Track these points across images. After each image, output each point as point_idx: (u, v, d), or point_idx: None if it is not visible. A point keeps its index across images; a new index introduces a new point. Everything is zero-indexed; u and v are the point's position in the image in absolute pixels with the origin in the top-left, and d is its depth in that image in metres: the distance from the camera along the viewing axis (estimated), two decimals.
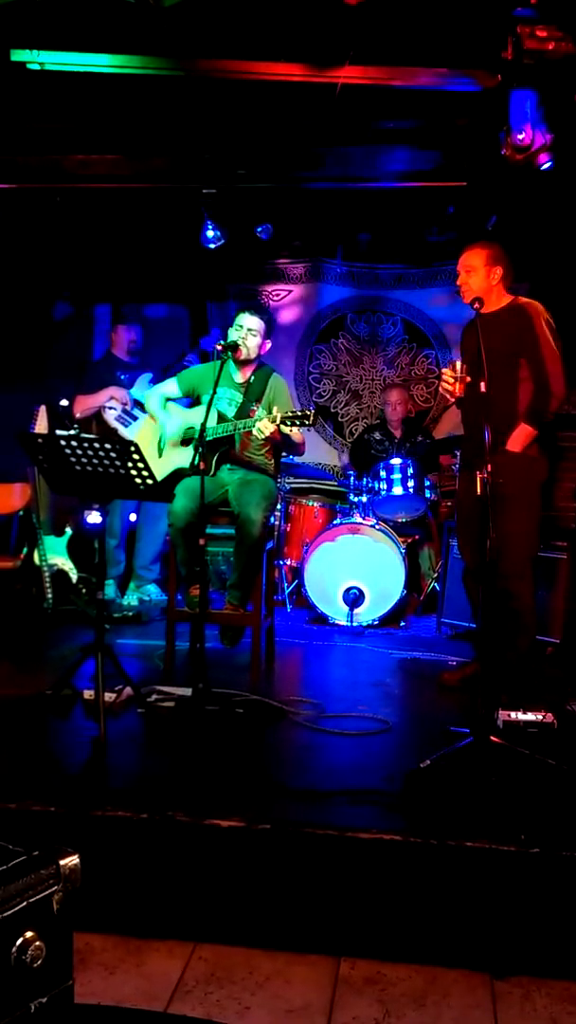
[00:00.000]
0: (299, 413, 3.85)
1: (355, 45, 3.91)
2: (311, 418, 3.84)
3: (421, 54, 4.06)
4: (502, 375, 3.53)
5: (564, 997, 2.16)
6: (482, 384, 3.24)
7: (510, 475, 3.47)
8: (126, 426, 5.45)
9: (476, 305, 3.43)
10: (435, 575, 5.77)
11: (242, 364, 4.27)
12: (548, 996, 2.16)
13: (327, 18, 3.66)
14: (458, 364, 3.57)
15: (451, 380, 3.57)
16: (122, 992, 2.14)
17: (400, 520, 5.71)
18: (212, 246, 5.91)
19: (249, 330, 4.18)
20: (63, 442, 3.16)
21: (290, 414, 3.86)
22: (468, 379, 3.53)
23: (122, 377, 5.68)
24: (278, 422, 3.87)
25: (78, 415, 5.53)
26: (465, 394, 3.55)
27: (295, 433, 4.10)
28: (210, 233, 5.84)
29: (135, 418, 5.47)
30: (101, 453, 3.11)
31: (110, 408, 5.51)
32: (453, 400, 3.63)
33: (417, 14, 3.76)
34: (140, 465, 3.10)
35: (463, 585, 4.11)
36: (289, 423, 3.87)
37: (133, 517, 5.82)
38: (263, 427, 3.88)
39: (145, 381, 5.65)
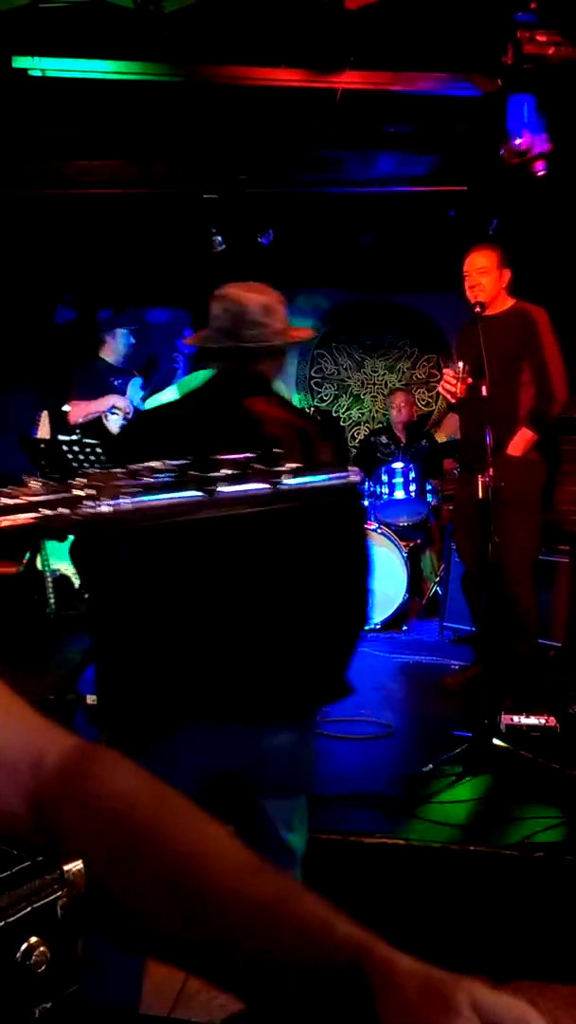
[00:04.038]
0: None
1: (355, 50, 3.92)
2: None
3: (421, 59, 4.07)
4: (504, 378, 3.52)
5: (568, 1002, 2.15)
6: (483, 387, 3.24)
7: (510, 480, 3.46)
8: None
9: (477, 309, 3.45)
10: (437, 579, 5.76)
11: None
12: (552, 1001, 2.16)
13: (327, 23, 3.67)
14: (460, 365, 3.56)
15: (453, 381, 3.56)
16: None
17: (402, 524, 5.71)
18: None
19: None
20: (65, 447, 3.17)
21: None
22: (470, 380, 3.51)
23: (116, 383, 5.67)
24: None
25: (77, 421, 5.51)
26: (466, 396, 3.54)
27: None
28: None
29: None
30: (104, 458, 3.12)
31: (112, 415, 5.49)
32: (454, 401, 3.61)
33: (417, 19, 3.77)
34: None
35: (462, 589, 4.10)
36: None
37: None
38: None
39: (136, 386, 5.64)
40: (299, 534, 1.71)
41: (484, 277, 3.65)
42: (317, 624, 1.76)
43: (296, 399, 7.16)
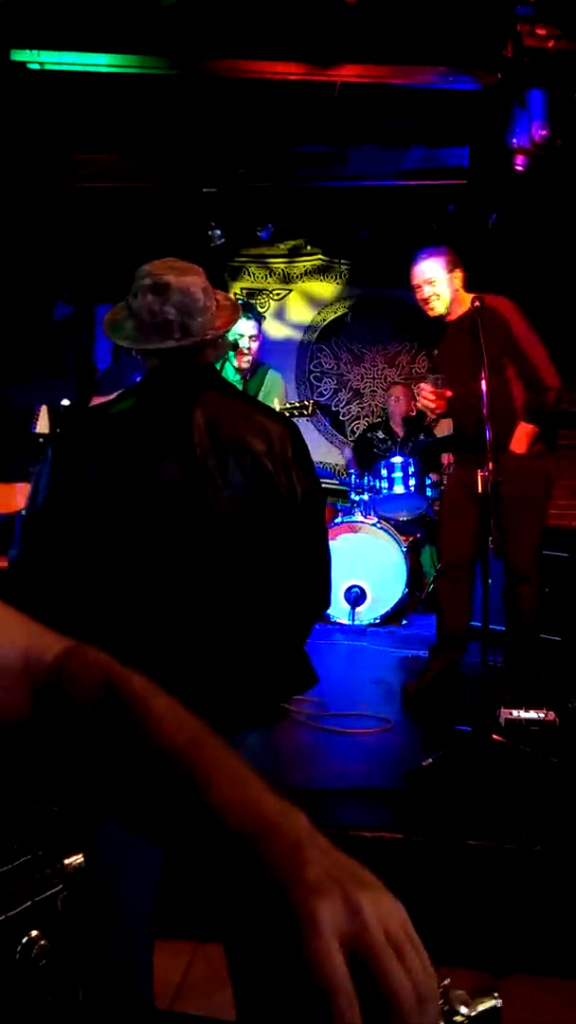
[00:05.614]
0: (298, 404, 3.90)
1: (354, 43, 3.91)
2: (310, 408, 3.88)
3: (421, 52, 4.05)
4: (490, 379, 3.38)
5: (568, 996, 2.16)
6: (447, 392, 3.28)
7: (518, 478, 3.39)
8: None
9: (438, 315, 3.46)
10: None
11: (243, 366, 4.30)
12: (552, 995, 2.16)
13: (326, 16, 3.66)
14: (432, 379, 3.42)
15: (431, 397, 3.41)
16: None
17: (401, 519, 5.71)
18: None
19: (251, 337, 4.20)
20: None
21: (288, 405, 3.90)
22: (449, 393, 3.41)
23: (139, 380, 5.64)
24: None
25: None
26: (452, 405, 3.45)
27: None
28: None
29: None
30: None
31: None
32: (434, 416, 3.54)
33: (416, 12, 3.76)
34: None
35: (436, 580, 4.02)
36: (288, 414, 3.90)
37: None
38: None
39: None
40: (258, 526, 1.65)
41: (436, 287, 3.47)
42: (280, 613, 1.70)
43: (296, 394, 7.16)
